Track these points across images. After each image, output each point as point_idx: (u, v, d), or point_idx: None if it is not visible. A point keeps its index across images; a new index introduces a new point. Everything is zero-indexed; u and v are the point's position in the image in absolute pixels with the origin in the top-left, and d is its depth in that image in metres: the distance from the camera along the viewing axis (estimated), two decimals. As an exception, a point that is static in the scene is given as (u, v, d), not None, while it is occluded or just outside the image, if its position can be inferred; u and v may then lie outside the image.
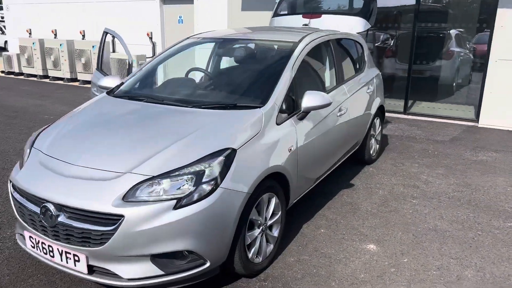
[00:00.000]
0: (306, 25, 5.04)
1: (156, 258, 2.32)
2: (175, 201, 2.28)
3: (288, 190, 3.07)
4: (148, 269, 2.30)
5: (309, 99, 3.08)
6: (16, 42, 13.10)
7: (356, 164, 5.01)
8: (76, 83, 11.57)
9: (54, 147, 2.73)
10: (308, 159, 3.29)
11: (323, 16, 5.05)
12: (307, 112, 3.17)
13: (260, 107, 2.91)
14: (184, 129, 2.67)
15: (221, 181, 2.40)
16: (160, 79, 3.87)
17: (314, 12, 5.13)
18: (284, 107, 3.06)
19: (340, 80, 3.99)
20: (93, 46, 11.06)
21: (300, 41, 3.54)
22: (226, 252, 2.51)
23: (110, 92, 3.54)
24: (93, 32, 11.71)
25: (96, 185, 2.35)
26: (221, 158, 2.46)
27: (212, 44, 4.06)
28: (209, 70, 4.37)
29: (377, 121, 5.09)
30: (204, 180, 2.37)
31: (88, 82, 10.67)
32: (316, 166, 3.51)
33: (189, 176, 2.36)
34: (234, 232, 2.49)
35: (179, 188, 2.32)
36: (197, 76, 4.03)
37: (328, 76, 3.96)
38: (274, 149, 2.83)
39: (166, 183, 2.33)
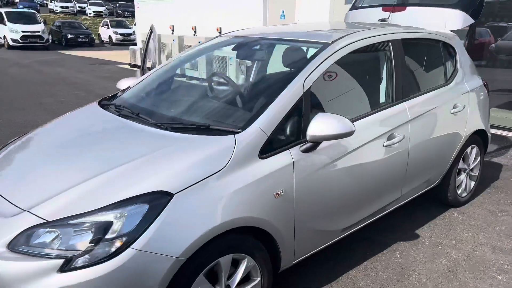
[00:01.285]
0: (383, 20, 3.95)
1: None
2: (62, 260, 1.69)
3: (277, 249, 2.24)
4: None
5: (319, 125, 2.17)
6: (140, 37, 14.07)
7: (436, 204, 3.78)
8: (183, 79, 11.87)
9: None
10: (319, 207, 2.37)
11: (408, 8, 3.89)
12: (315, 142, 2.26)
13: (236, 133, 2.12)
14: (121, 157, 2.05)
15: (136, 239, 1.73)
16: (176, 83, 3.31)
17: (397, 4, 4.00)
18: (286, 133, 2.22)
19: (399, 96, 2.90)
20: (199, 42, 11.18)
21: (333, 42, 2.60)
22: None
23: (113, 97, 3.12)
24: (203, 27, 11.85)
25: (-5, 221, 1.89)
26: (141, 206, 1.78)
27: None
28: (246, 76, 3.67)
29: (473, 151, 3.76)
30: (108, 236, 1.72)
31: (195, 78, 10.79)
32: (339, 216, 2.55)
33: (90, 228, 1.74)
34: (154, 310, 1.80)
35: (73, 242, 1.72)
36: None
37: (381, 91, 2.91)
38: (246, 194, 2.02)
39: (60, 233, 1.75)
